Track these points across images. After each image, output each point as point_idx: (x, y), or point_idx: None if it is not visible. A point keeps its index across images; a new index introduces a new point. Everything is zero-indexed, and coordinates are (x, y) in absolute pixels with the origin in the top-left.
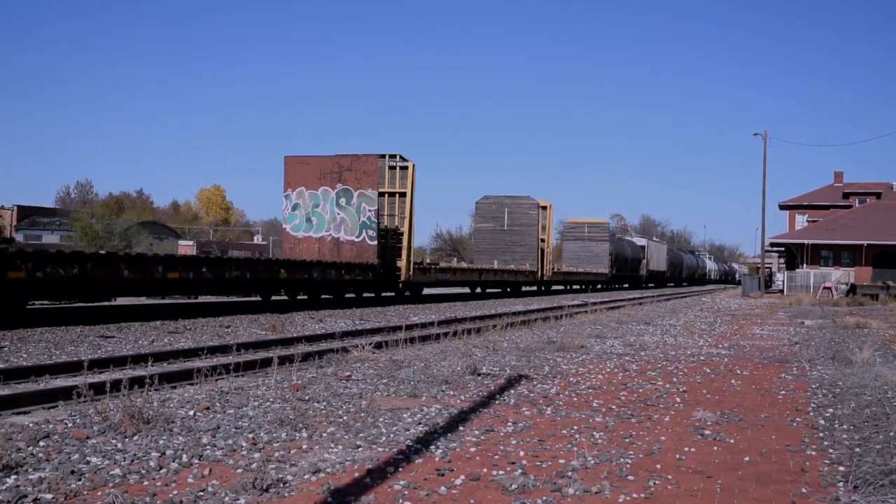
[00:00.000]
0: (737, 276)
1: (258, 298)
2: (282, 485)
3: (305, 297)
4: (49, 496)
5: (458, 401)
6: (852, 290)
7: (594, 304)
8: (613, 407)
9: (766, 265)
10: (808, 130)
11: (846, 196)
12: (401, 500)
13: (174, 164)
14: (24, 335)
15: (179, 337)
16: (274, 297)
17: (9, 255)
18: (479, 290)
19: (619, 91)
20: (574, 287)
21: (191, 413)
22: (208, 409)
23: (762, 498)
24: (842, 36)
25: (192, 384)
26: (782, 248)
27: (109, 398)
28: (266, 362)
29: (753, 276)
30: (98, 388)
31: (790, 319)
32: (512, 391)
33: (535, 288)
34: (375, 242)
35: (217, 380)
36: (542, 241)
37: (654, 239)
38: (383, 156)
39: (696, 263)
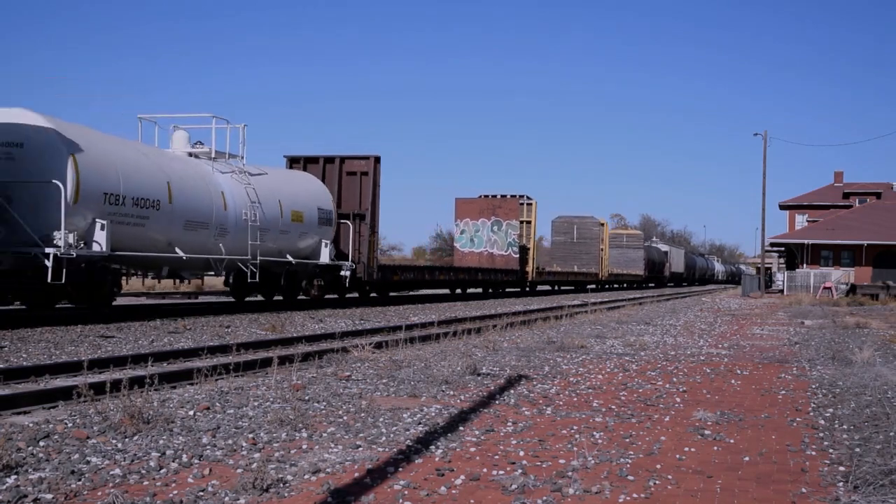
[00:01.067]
0: (743, 276)
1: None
2: (282, 485)
3: (479, 290)
4: (49, 496)
5: (458, 401)
6: (852, 289)
7: (594, 303)
8: (613, 407)
9: (766, 265)
10: (808, 130)
11: (846, 196)
12: (401, 500)
13: None
14: (24, 335)
15: (179, 337)
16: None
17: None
18: (557, 287)
19: (620, 91)
20: (622, 286)
21: (191, 413)
22: (208, 409)
23: (762, 498)
24: (842, 36)
25: (192, 384)
26: (782, 248)
27: (109, 398)
28: (266, 362)
29: (755, 276)
30: (98, 388)
31: (790, 319)
32: (512, 391)
33: (594, 286)
34: (518, 256)
35: (217, 380)
36: (602, 250)
37: (674, 246)
38: (520, 196)
39: (706, 265)
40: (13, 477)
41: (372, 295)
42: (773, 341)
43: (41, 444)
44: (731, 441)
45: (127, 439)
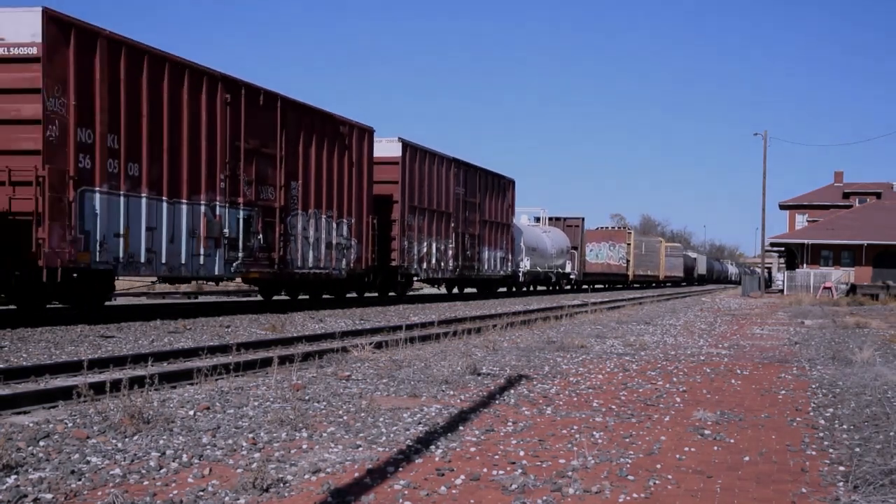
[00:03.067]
0: (742, 276)
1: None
2: (282, 485)
3: (602, 286)
4: (49, 496)
5: (458, 401)
6: (852, 289)
7: (594, 303)
8: (613, 407)
9: (767, 265)
10: (808, 130)
11: (846, 196)
12: (401, 500)
13: None
14: (24, 335)
15: (179, 337)
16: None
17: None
18: (635, 285)
19: (620, 91)
20: (669, 284)
21: (191, 413)
22: (208, 408)
23: (762, 498)
24: (842, 36)
25: (192, 384)
26: (782, 248)
27: (109, 398)
28: (266, 362)
29: (755, 276)
30: (98, 388)
31: (790, 319)
32: (512, 391)
33: (655, 284)
34: (624, 264)
35: (217, 380)
36: (660, 259)
37: (699, 253)
38: (625, 227)
39: (722, 268)
40: (13, 477)
41: (584, 287)
42: (773, 341)
43: (41, 443)
44: (731, 441)
45: (127, 439)
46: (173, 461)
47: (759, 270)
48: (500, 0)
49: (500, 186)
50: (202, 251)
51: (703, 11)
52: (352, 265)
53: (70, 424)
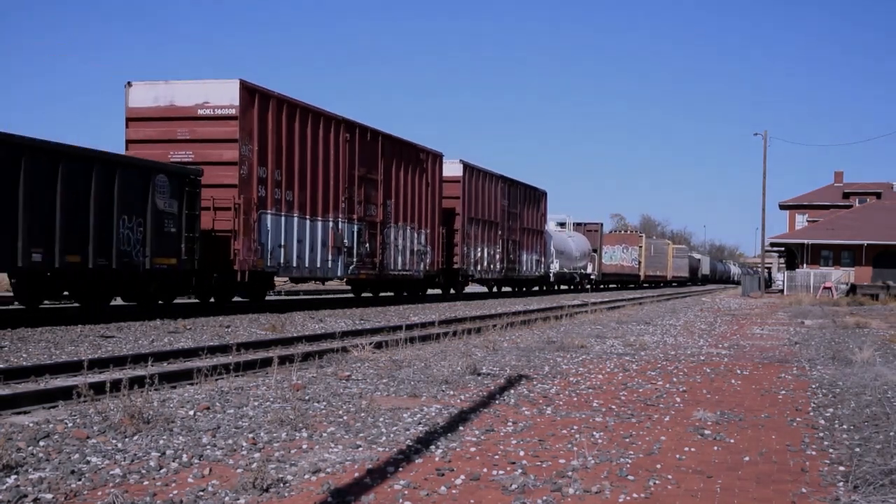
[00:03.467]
0: (742, 276)
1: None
2: (282, 485)
3: (615, 285)
4: (49, 496)
5: (458, 401)
6: (852, 289)
7: (594, 303)
8: (613, 407)
9: (766, 265)
10: (808, 130)
11: (846, 196)
12: (401, 500)
13: None
14: (24, 335)
15: (179, 337)
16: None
17: None
18: (645, 284)
19: (620, 91)
20: (676, 284)
21: (191, 413)
22: (208, 408)
23: (762, 498)
24: (843, 36)
25: (192, 384)
26: (782, 248)
27: (109, 398)
28: (266, 362)
29: (755, 276)
30: (98, 388)
31: (790, 319)
32: (512, 391)
33: (663, 284)
34: (636, 265)
35: (217, 380)
36: (668, 261)
37: (703, 255)
38: (637, 231)
39: (725, 268)
40: (13, 477)
41: (601, 287)
42: (773, 341)
43: (41, 443)
44: (731, 441)
45: (127, 439)
46: (173, 461)
47: (760, 270)
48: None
49: (535, 197)
50: (329, 258)
51: (703, 11)
52: (427, 267)
53: (70, 424)
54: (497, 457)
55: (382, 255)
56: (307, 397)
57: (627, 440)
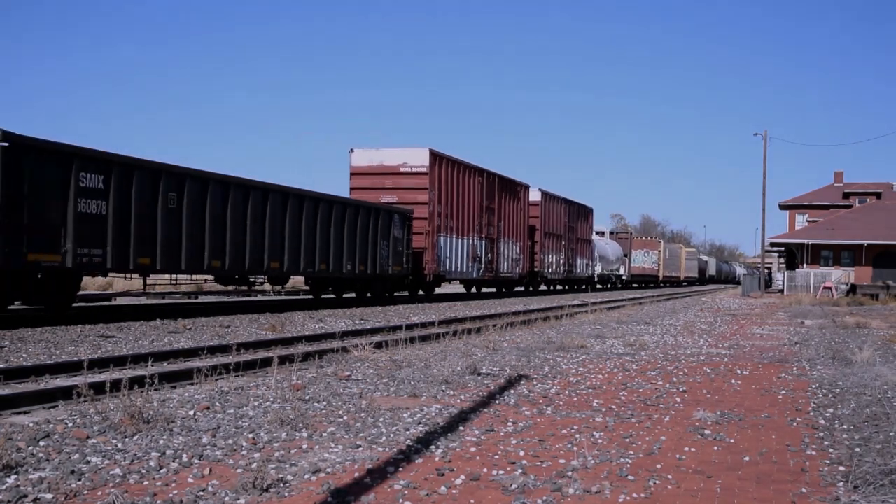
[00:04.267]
0: (742, 276)
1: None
2: (282, 485)
3: (638, 285)
4: (49, 496)
5: (458, 401)
6: (852, 289)
7: (594, 303)
8: (613, 407)
9: (767, 265)
10: (808, 130)
11: (846, 196)
12: (401, 500)
13: None
14: (24, 335)
15: (179, 337)
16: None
17: None
18: (663, 283)
19: (620, 91)
20: (686, 283)
21: (191, 413)
22: (208, 408)
23: (762, 498)
24: (843, 36)
25: (192, 384)
26: (782, 248)
27: (109, 398)
28: (266, 362)
29: (755, 276)
30: (98, 388)
31: (790, 319)
32: (512, 391)
33: (677, 284)
34: (656, 268)
35: (217, 380)
36: (681, 263)
37: (710, 256)
38: (657, 238)
39: (729, 269)
40: (13, 477)
41: (632, 285)
42: (773, 341)
43: (41, 443)
44: (731, 441)
45: (127, 439)
46: (173, 461)
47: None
48: None
49: (585, 213)
50: (470, 264)
51: (703, 11)
52: (520, 271)
53: (70, 424)
54: (497, 457)
55: (496, 262)
56: (307, 397)
57: (627, 440)
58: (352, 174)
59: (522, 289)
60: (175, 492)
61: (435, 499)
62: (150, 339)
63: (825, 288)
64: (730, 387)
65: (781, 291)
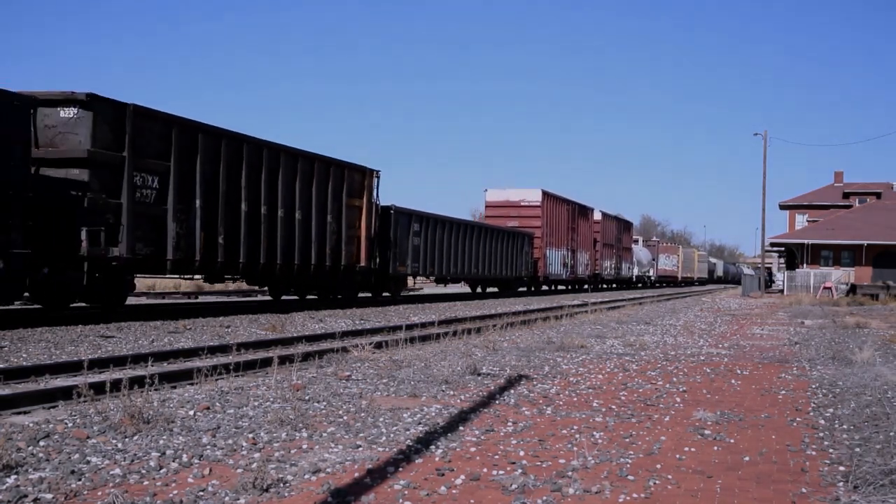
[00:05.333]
0: (742, 276)
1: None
2: (282, 485)
3: (660, 284)
4: (49, 496)
5: (458, 401)
6: (852, 290)
7: (594, 303)
8: (613, 407)
9: (767, 265)
10: (808, 130)
11: (846, 196)
12: (401, 500)
13: None
14: (24, 335)
15: (179, 337)
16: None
17: None
18: (682, 283)
19: (620, 91)
20: (697, 283)
21: (191, 413)
22: (208, 408)
23: (762, 498)
24: (843, 36)
25: (192, 384)
26: (782, 248)
27: (109, 398)
28: (266, 362)
29: (755, 276)
30: (98, 388)
31: (790, 319)
32: (512, 391)
33: (692, 284)
34: (676, 269)
35: (217, 380)
36: (695, 265)
37: (719, 259)
38: (675, 244)
39: (736, 270)
40: (13, 477)
41: (656, 284)
42: (773, 341)
43: (41, 443)
44: (731, 441)
45: (127, 439)
46: (173, 461)
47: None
48: None
49: (628, 227)
50: (562, 269)
51: (703, 10)
52: (588, 273)
53: (70, 424)
54: (497, 457)
55: (576, 267)
56: (307, 397)
57: (627, 440)
58: (486, 206)
59: (587, 286)
60: (175, 492)
61: (435, 499)
62: (150, 339)
63: (825, 288)
64: (730, 387)
65: (781, 291)
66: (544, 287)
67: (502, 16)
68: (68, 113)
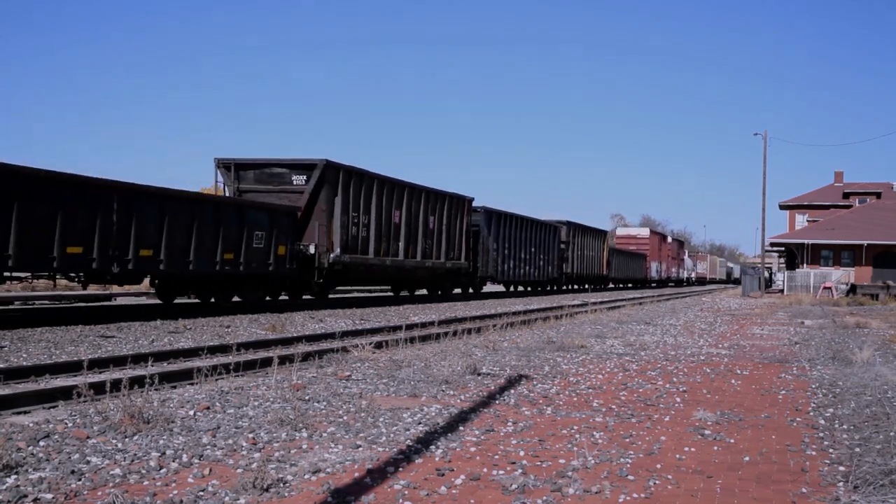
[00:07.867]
0: (743, 276)
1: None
2: (282, 485)
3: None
4: (49, 496)
5: (458, 401)
6: (852, 289)
7: (594, 303)
8: (613, 407)
9: (767, 265)
10: (808, 130)
11: (846, 196)
12: (401, 500)
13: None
14: (24, 335)
15: (179, 337)
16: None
17: None
18: (709, 283)
19: (620, 91)
20: (715, 283)
21: (191, 413)
22: (208, 408)
23: (762, 498)
24: (842, 36)
25: (192, 384)
26: (782, 248)
27: (109, 398)
28: (266, 362)
29: (755, 276)
30: (98, 388)
31: (790, 319)
32: (512, 391)
33: (714, 282)
34: (706, 272)
35: (217, 379)
36: (717, 268)
37: (735, 263)
38: (681, 243)
39: (753, 272)
40: (13, 477)
41: (692, 284)
42: (774, 341)
43: (41, 443)
44: (732, 441)
45: (127, 439)
46: (173, 461)
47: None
48: None
49: (682, 244)
50: (655, 274)
51: (703, 10)
52: (665, 277)
53: (70, 424)
54: (497, 457)
55: (661, 273)
56: (307, 397)
57: (627, 440)
58: (616, 238)
59: (655, 285)
60: (175, 492)
61: (435, 499)
62: (150, 339)
63: (825, 288)
64: (730, 387)
65: (781, 291)
66: (651, 285)
67: (501, 16)
68: None
